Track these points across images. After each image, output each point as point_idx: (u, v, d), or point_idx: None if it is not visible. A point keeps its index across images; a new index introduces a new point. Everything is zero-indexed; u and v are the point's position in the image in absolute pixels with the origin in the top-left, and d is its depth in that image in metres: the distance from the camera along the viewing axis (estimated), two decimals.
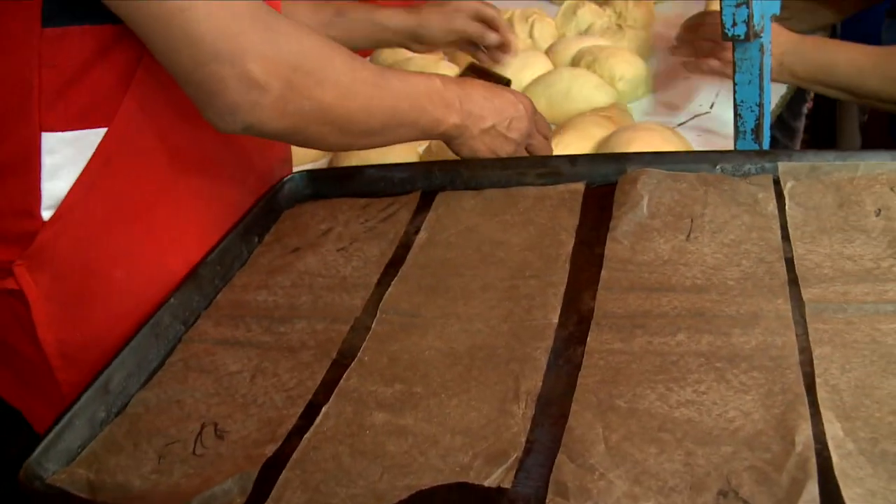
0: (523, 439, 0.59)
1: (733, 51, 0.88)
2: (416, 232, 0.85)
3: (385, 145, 0.87)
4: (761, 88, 0.88)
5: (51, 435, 0.64)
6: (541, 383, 0.64)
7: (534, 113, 0.94)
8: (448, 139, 0.89)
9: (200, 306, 0.80)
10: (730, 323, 0.66)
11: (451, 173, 0.90)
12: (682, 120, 1.14)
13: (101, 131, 0.77)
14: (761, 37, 0.85)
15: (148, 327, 0.74)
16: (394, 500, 0.55)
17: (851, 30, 1.42)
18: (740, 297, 0.69)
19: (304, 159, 1.13)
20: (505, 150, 0.90)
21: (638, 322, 0.68)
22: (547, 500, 0.54)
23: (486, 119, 0.88)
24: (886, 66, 1.04)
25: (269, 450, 0.62)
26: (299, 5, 1.08)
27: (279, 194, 0.93)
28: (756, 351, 0.63)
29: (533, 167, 0.88)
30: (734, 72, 0.88)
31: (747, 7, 0.81)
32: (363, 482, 0.58)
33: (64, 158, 0.76)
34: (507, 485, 0.55)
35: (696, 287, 0.71)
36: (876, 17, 1.40)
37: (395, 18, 1.13)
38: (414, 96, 0.82)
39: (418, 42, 1.16)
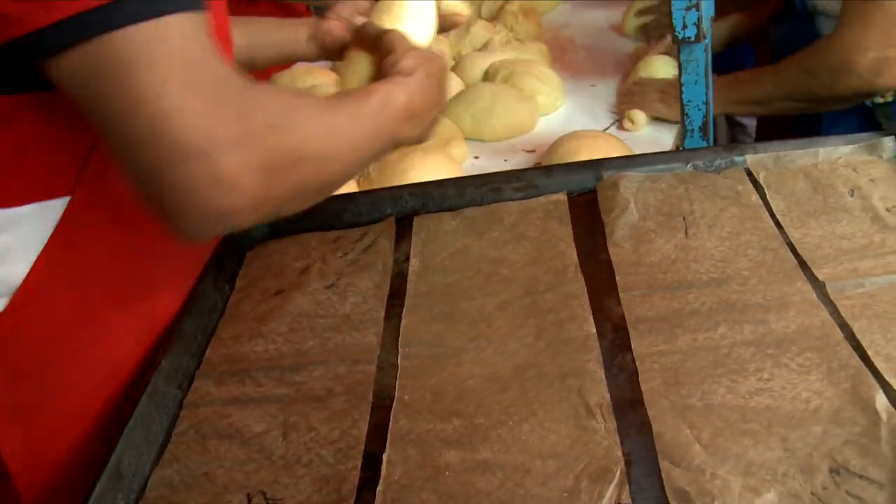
0: (619, 452, 0.56)
1: (678, 53, 0.90)
2: (406, 260, 0.80)
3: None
4: (707, 87, 0.91)
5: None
6: (608, 395, 0.62)
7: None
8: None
9: (191, 366, 0.71)
10: (762, 310, 0.68)
11: (422, 196, 0.87)
12: (605, 126, 1.17)
13: (64, 200, 0.65)
14: (706, 38, 0.88)
15: (146, 396, 0.65)
16: None
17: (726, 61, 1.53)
18: (761, 285, 0.70)
19: None
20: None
21: (674, 322, 0.68)
22: None
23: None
24: (782, 78, 1.13)
25: None
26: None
27: (236, 235, 0.85)
28: (799, 333, 0.65)
29: (508, 181, 0.86)
30: (680, 74, 0.91)
31: (697, 10, 0.84)
32: None
33: (16, 238, 0.64)
34: (626, 500, 0.53)
35: (714, 281, 0.72)
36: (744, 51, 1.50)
37: (301, 29, 0.96)
38: (382, 125, 0.70)
39: (322, 47, 0.98)
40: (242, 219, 0.58)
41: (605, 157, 0.94)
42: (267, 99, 0.60)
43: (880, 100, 1.14)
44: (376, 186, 1.00)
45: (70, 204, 0.65)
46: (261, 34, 0.96)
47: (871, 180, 0.81)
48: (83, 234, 0.67)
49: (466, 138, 1.16)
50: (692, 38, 0.86)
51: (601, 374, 0.64)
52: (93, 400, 0.71)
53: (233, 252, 0.84)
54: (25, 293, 0.65)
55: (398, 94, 0.70)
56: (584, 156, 0.97)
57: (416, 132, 0.74)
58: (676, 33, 0.86)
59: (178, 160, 0.54)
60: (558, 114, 1.24)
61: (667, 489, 0.53)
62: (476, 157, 1.13)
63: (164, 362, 0.68)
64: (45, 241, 0.65)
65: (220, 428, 0.64)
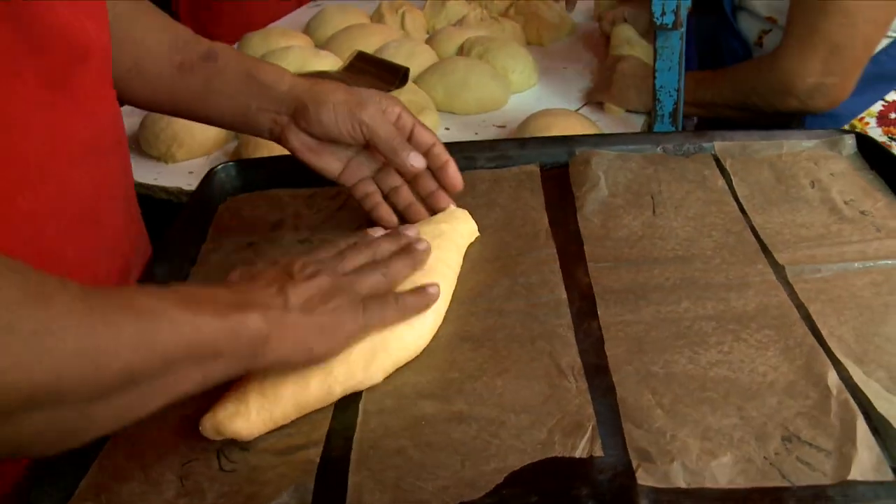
0: (591, 410, 0.59)
1: (654, 39, 0.93)
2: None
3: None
4: (679, 74, 0.94)
5: (37, 470, 0.54)
6: (579, 358, 0.64)
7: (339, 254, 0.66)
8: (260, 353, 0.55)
9: None
10: (724, 288, 0.71)
11: None
12: (577, 106, 1.20)
13: None
14: (682, 27, 0.90)
15: None
16: (490, 487, 0.53)
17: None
18: (724, 265, 0.73)
19: (198, 151, 1.04)
20: (350, 315, 0.61)
21: (639, 294, 0.71)
22: (634, 466, 0.54)
23: (296, 293, 0.58)
24: (725, 88, 1.18)
25: (314, 454, 0.57)
26: (150, 38, 0.79)
27: (209, 188, 0.84)
28: (758, 311, 0.68)
29: (482, 151, 0.88)
30: (654, 59, 0.93)
31: None
32: (445, 472, 0.54)
33: None
34: (598, 453, 0.55)
35: (679, 258, 0.75)
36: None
37: (283, 83, 0.77)
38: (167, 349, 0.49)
39: (303, 124, 0.77)
40: None
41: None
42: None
43: None
44: None
45: None
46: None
47: (831, 174, 0.85)
48: None
49: (438, 110, 1.16)
50: (669, 26, 0.88)
51: (572, 338, 0.66)
52: None
53: (204, 204, 0.83)
54: None
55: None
56: (556, 133, 0.99)
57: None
58: (655, 19, 0.88)
59: None
60: (531, 92, 1.26)
61: (629, 448, 0.55)
62: (447, 129, 1.14)
63: None
64: None
65: None
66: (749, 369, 0.62)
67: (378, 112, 0.75)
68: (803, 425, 0.57)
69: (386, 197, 0.79)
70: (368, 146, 0.77)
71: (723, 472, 0.54)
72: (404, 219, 0.78)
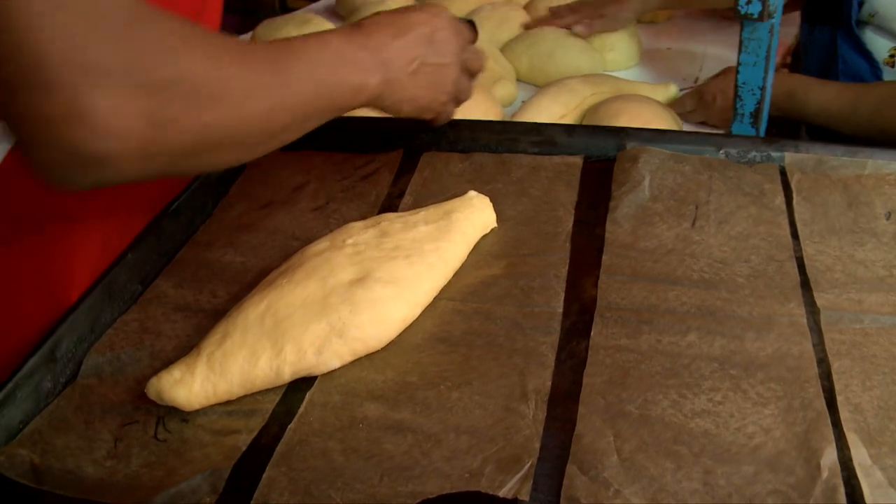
0: (537, 445, 0.54)
1: (741, 30, 0.83)
2: (400, 196, 0.78)
3: (294, 139, 0.64)
4: (766, 71, 0.84)
5: None
6: (549, 383, 0.59)
7: (454, 21, 0.76)
8: (376, 102, 0.70)
9: (160, 264, 0.71)
10: (742, 326, 0.63)
11: (438, 133, 0.83)
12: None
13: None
14: (773, 18, 0.80)
15: (102, 286, 0.65)
16: None
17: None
18: (752, 298, 0.65)
19: None
20: (447, 80, 0.75)
21: (644, 317, 0.64)
22: None
23: (409, 57, 0.71)
24: (856, 112, 1.05)
25: (244, 442, 0.55)
26: None
27: None
28: (772, 360, 0.60)
29: (526, 134, 0.82)
30: (739, 52, 0.84)
31: None
32: (360, 485, 0.52)
33: None
34: (524, 496, 0.50)
35: (703, 282, 0.67)
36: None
37: None
38: (319, 74, 0.63)
39: None
40: (121, 169, 0.49)
41: (645, 126, 0.88)
42: (169, 33, 0.50)
43: None
44: None
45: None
46: None
47: None
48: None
49: (520, 80, 1.10)
50: (754, 16, 0.78)
51: (551, 360, 0.60)
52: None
53: None
54: None
55: (349, 40, 0.65)
56: (623, 120, 0.91)
57: (399, 104, 0.71)
58: (738, 7, 0.78)
59: (36, 85, 0.45)
60: (629, 73, 1.16)
61: (562, 496, 0.50)
62: (524, 102, 1.08)
63: (131, 255, 0.68)
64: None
65: (163, 329, 0.65)
66: (736, 427, 0.55)
67: None
68: None
69: None
70: None
71: None
72: None
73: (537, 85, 1.11)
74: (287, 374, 0.59)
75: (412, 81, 0.71)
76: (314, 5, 1.51)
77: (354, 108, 0.68)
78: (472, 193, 0.73)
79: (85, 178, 0.50)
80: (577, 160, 0.80)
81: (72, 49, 0.45)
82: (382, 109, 0.72)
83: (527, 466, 0.52)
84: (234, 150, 0.58)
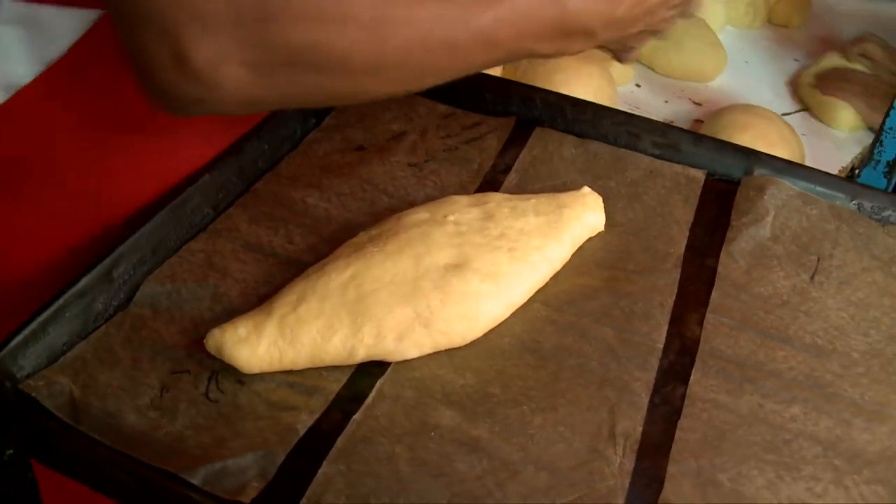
0: (621, 501, 0.48)
1: None
2: (505, 171, 0.71)
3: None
4: None
5: (33, 324, 0.50)
6: (640, 428, 0.53)
7: None
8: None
9: (237, 189, 0.65)
10: (852, 410, 0.56)
11: (554, 108, 0.76)
12: (787, 111, 1.01)
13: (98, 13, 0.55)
14: None
15: (171, 207, 0.59)
16: None
17: None
18: (865, 379, 0.59)
19: None
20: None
21: (749, 374, 0.58)
22: None
23: (631, 20, 0.59)
24: None
25: (303, 424, 0.50)
26: None
27: None
28: (880, 457, 0.54)
29: (650, 132, 0.74)
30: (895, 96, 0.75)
31: None
32: None
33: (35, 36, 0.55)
34: None
35: (815, 348, 0.60)
36: None
37: None
38: (499, 35, 0.53)
39: None
40: (222, 110, 0.49)
41: (768, 148, 0.80)
42: None
43: None
44: (518, 75, 0.89)
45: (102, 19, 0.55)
46: None
47: None
48: (105, 56, 0.56)
49: (638, 62, 1.02)
50: None
51: (644, 401, 0.54)
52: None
53: None
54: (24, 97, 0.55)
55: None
56: (747, 136, 0.83)
57: (586, 45, 0.58)
58: None
59: (147, 25, 0.44)
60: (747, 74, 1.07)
61: None
62: (638, 86, 1.00)
63: (208, 176, 0.62)
64: (63, 52, 0.55)
65: (230, 268, 0.59)
66: None
67: None
68: None
69: None
70: None
71: None
72: None
73: (654, 70, 1.02)
74: (360, 356, 0.53)
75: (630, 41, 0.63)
76: None
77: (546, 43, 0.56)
78: (586, 190, 0.66)
79: (191, 112, 0.49)
80: (700, 174, 0.72)
81: None
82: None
83: None
84: (356, 99, 0.52)
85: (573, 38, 0.57)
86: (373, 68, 0.49)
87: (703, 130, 0.93)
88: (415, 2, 0.49)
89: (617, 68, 0.96)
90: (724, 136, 0.83)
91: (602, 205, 0.66)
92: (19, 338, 0.50)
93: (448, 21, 0.50)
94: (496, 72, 0.92)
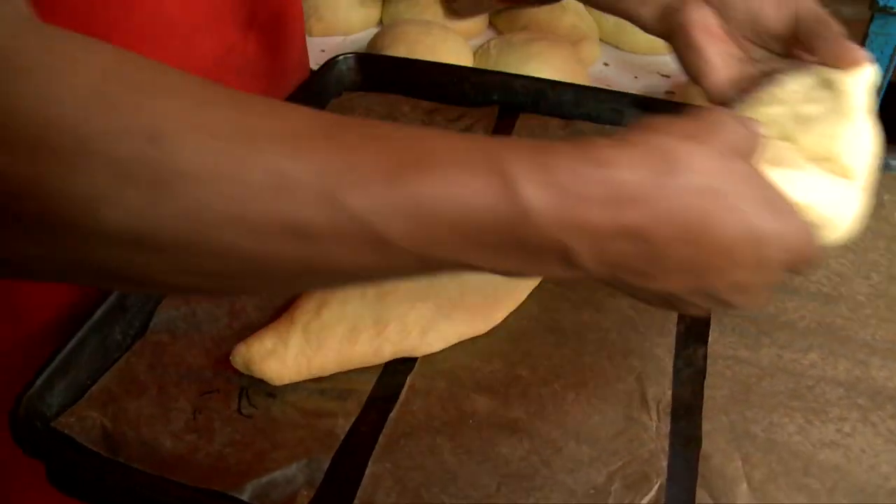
0: (664, 463, 0.49)
1: (870, 22, 0.76)
2: None
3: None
4: (888, 71, 0.77)
5: (55, 361, 0.50)
6: (670, 392, 0.54)
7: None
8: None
9: None
10: (866, 350, 0.58)
11: (535, 93, 0.76)
12: None
13: None
14: None
15: None
16: None
17: None
18: (874, 319, 0.60)
19: (337, 29, 0.96)
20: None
21: (763, 328, 0.59)
22: None
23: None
24: None
25: (341, 428, 0.50)
26: None
27: (326, 77, 0.76)
28: None
29: (632, 107, 0.75)
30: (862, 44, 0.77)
31: None
32: (477, 493, 0.47)
33: None
34: None
35: (823, 296, 0.62)
36: None
37: None
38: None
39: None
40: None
41: None
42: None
43: None
44: (490, 66, 0.89)
45: None
46: None
47: None
48: None
49: (603, 41, 1.03)
50: (893, 9, 0.72)
51: (669, 365, 0.55)
52: None
53: (314, 95, 0.75)
54: None
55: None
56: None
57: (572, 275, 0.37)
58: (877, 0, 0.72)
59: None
60: None
61: None
62: (606, 64, 1.01)
63: None
64: None
65: None
66: (869, 464, 0.51)
67: None
68: None
69: None
70: (784, 46, 0.58)
71: None
72: None
73: (620, 48, 1.04)
74: (387, 353, 0.54)
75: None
76: None
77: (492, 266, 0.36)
78: None
79: None
80: None
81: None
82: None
83: (655, 487, 0.48)
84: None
85: (543, 258, 0.36)
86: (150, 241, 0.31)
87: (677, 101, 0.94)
88: (256, 147, 0.32)
89: (583, 49, 0.97)
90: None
91: None
92: (43, 377, 0.49)
93: (302, 190, 0.32)
94: (469, 61, 0.92)
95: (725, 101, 0.58)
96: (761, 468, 0.50)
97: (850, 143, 0.51)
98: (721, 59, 0.59)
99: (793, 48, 0.57)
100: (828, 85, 0.53)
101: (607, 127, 0.75)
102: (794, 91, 0.53)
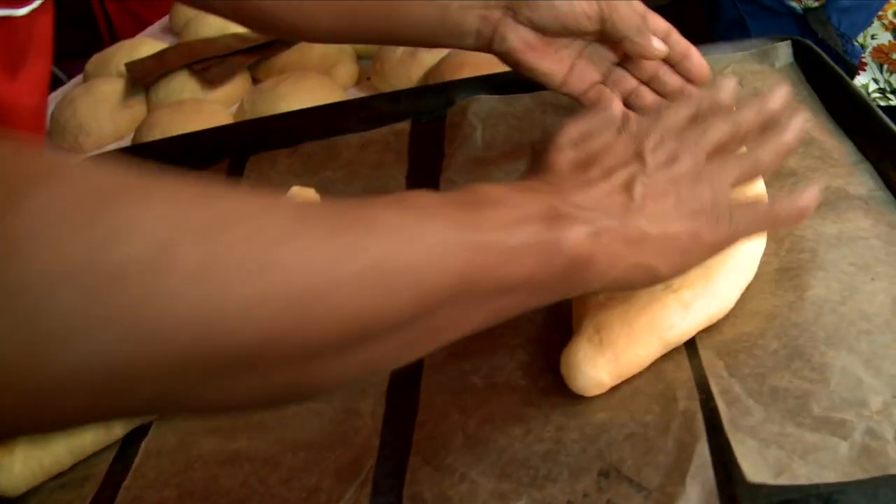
0: (377, 443, 0.51)
1: None
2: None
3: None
4: None
5: None
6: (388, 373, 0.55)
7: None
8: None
9: None
10: None
11: (263, 131, 0.79)
12: None
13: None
14: None
15: None
16: None
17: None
18: None
19: (106, 138, 0.99)
20: (712, 225, 0.44)
21: None
22: None
23: (645, 190, 0.43)
24: None
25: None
26: None
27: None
28: None
29: (354, 111, 0.78)
30: None
31: None
32: None
33: None
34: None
35: None
36: None
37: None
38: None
39: (526, 13, 0.61)
40: None
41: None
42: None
43: (813, 3, 1.00)
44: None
45: None
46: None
47: (754, 94, 0.70)
48: None
49: (361, 57, 1.05)
50: None
51: None
52: None
53: None
54: None
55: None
56: (466, 74, 0.86)
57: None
58: None
59: None
60: None
61: (405, 494, 0.47)
62: (368, 79, 1.03)
63: None
64: None
65: None
66: None
67: None
68: (629, 452, 0.45)
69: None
70: (600, 37, 0.62)
71: None
72: None
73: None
74: (118, 429, 0.55)
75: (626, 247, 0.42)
76: (148, 29, 1.37)
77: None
78: (295, 189, 0.69)
79: None
80: (405, 126, 0.76)
81: None
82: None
83: (366, 469, 0.49)
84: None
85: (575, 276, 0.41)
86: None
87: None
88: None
89: (339, 71, 1.00)
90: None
91: (315, 195, 0.69)
92: None
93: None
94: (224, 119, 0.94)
95: (593, 93, 0.63)
96: (478, 413, 0.50)
97: None
98: (558, 65, 0.63)
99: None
100: None
101: (332, 140, 0.77)
102: None
